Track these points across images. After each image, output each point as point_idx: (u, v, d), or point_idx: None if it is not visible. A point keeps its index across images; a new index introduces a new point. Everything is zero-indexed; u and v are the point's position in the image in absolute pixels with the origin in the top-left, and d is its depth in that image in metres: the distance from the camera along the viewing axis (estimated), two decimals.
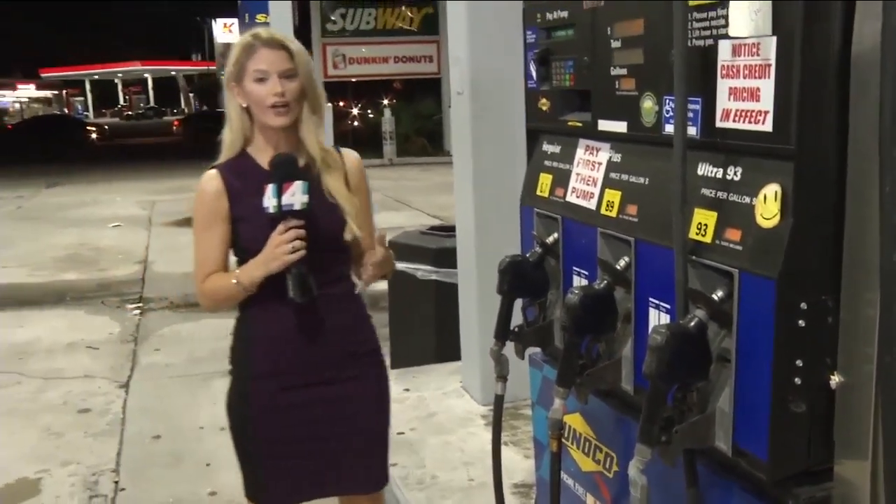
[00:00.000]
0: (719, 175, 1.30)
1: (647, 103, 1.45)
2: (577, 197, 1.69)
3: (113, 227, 9.23)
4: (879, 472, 1.14)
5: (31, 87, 61.44)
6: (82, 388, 4.05)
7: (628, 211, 1.52)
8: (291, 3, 9.36)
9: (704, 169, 1.33)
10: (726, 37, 1.24)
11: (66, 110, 59.31)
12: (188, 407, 3.73)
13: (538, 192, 1.86)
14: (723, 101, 1.27)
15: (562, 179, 1.77)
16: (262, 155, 1.68)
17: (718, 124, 1.28)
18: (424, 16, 12.60)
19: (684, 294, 1.31)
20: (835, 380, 1.19)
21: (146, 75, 60.11)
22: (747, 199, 1.24)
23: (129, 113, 58.16)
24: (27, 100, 60.48)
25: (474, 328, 3.34)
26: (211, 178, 1.69)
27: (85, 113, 59.51)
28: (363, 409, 1.75)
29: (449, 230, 3.89)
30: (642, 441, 1.27)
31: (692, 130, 1.32)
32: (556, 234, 1.76)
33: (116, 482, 3.01)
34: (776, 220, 1.18)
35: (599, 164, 1.64)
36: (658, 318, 1.43)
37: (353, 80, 14.54)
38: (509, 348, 1.81)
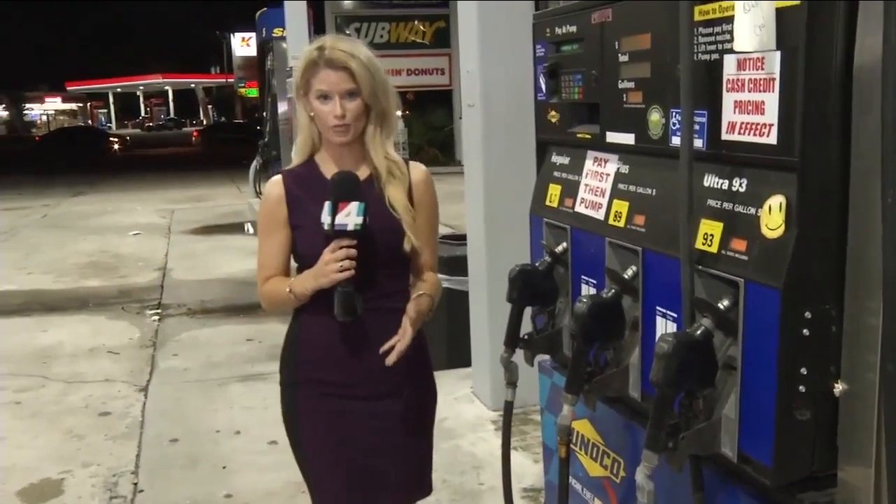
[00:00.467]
0: (725, 186, 1.33)
1: (655, 116, 1.48)
2: (586, 207, 1.72)
3: (133, 234, 9.37)
4: (883, 478, 1.15)
5: (58, 99, 62.67)
6: (103, 391, 4.12)
7: (636, 221, 1.54)
8: (307, 18, 9.50)
9: (710, 180, 1.36)
10: (731, 51, 1.27)
11: (90, 122, 60.28)
12: (205, 411, 3.78)
13: (548, 203, 1.89)
14: (728, 114, 1.30)
15: (571, 190, 1.80)
16: (327, 165, 1.68)
17: (724, 137, 1.31)
18: (436, 30, 12.72)
19: (691, 303, 1.33)
20: (838, 388, 1.20)
21: (167, 88, 60.99)
22: (752, 210, 1.26)
23: (150, 124, 59.00)
24: (53, 112, 61.64)
25: (484, 335, 3.37)
26: (274, 184, 1.70)
27: (108, 124, 60.45)
28: (404, 428, 1.72)
29: (460, 239, 3.92)
30: (649, 447, 1.29)
31: (698, 143, 1.35)
32: (565, 244, 1.79)
33: (135, 483, 3.07)
34: (781, 231, 1.21)
35: (607, 175, 1.67)
36: (665, 326, 1.45)
37: None
38: (519, 355, 1.84)
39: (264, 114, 11.95)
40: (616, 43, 1.58)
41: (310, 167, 1.69)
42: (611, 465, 1.76)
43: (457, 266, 3.69)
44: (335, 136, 1.62)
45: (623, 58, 1.56)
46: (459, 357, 3.67)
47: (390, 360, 1.59)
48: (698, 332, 1.30)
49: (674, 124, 1.43)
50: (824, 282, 1.21)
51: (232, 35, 35.25)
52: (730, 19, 1.25)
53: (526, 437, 3.15)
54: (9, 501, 2.98)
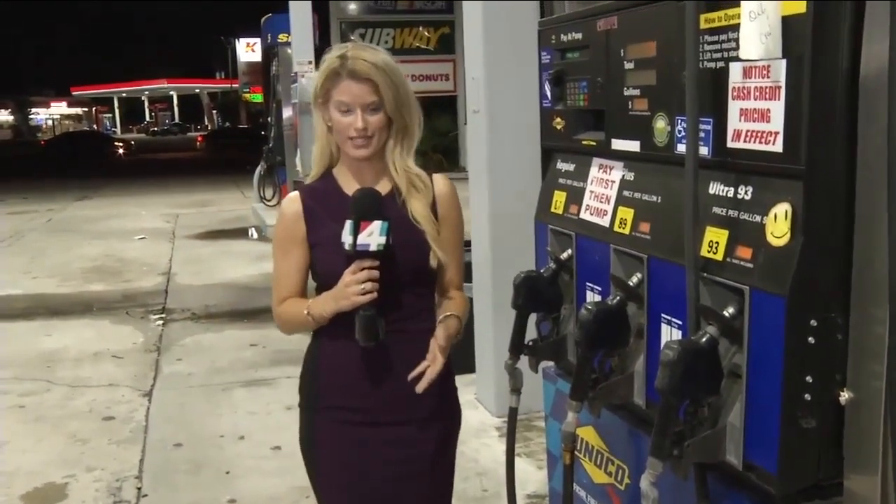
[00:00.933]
0: (730, 194, 1.33)
1: (660, 123, 1.49)
2: (591, 214, 1.73)
3: (138, 239, 9.40)
4: (889, 487, 1.15)
5: (63, 104, 63.08)
6: (107, 396, 4.13)
7: (641, 228, 1.55)
8: (312, 24, 9.54)
9: (716, 188, 1.36)
10: (737, 59, 1.27)
11: (94, 126, 60.58)
12: (209, 416, 3.79)
13: (552, 209, 1.89)
14: (734, 122, 1.30)
15: (576, 197, 1.80)
16: (346, 179, 1.61)
17: (729, 144, 1.31)
18: (441, 36, 12.76)
19: (696, 310, 1.33)
20: (844, 396, 1.20)
21: (171, 93, 61.33)
22: (758, 218, 1.26)
23: (155, 129, 59.28)
24: (59, 116, 61.99)
25: (489, 341, 3.37)
26: (291, 201, 1.61)
27: (113, 129, 60.78)
28: (429, 457, 1.62)
29: (464, 245, 3.92)
30: (654, 454, 1.29)
31: (704, 150, 1.35)
32: (569, 251, 1.79)
33: (139, 488, 3.07)
34: (786, 239, 1.21)
35: (613, 182, 1.68)
36: (670, 333, 1.45)
37: None
38: (523, 362, 1.84)
39: (269, 119, 12.00)
40: (621, 50, 1.58)
41: (328, 182, 1.62)
42: (615, 472, 1.76)
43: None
44: (355, 149, 1.54)
45: (628, 65, 1.57)
46: (463, 363, 3.67)
47: (420, 387, 1.52)
48: (703, 339, 1.30)
49: (679, 132, 1.43)
50: (830, 290, 1.21)
51: (237, 40, 35.43)
52: (735, 27, 1.26)
53: (529, 444, 3.14)
54: None
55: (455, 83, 12.59)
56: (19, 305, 6.29)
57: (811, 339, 1.20)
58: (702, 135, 1.35)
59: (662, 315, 1.47)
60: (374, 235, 1.46)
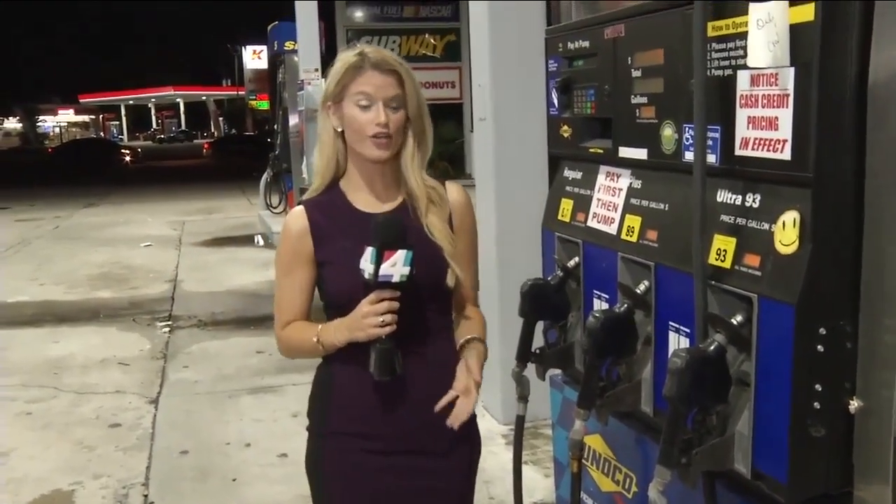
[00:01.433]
0: (738, 202, 1.33)
1: (667, 131, 1.49)
2: (598, 222, 1.73)
3: (144, 246, 9.43)
4: None
5: (71, 111, 63.56)
6: (114, 403, 4.13)
7: (648, 236, 1.55)
8: (319, 32, 9.59)
9: (724, 196, 1.36)
10: (745, 67, 1.27)
11: (101, 134, 61.00)
12: (215, 423, 3.79)
13: (559, 217, 1.89)
14: (741, 130, 1.30)
15: (583, 205, 1.81)
16: (354, 190, 1.50)
17: (737, 152, 1.31)
18: (447, 43, 12.80)
19: (704, 318, 1.33)
20: (854, 404, 1.20)
21: (178, 100, 61.68)
22: (766, 226, 1.26)
23: (162, 136, 59.60)
24: (66, 124, 62.46)
25: (495, 349, 3.34)
26: (296, 216, 1.49)
27: (120, 136, 61.12)
28: (448, 490, 1.53)
29: None
30: (662, 463, 1.28)
31: (711, 158, 1.35)
32: (577, 258, 1.80)
33: (146, 495, 3.07)
34: (795, 247, 1.20)
35: (620, 189, 1.68)
36: (678, 341, 1.45)
37: None
38: (530, 369, 1.83)
39: (275, 126, 12.04)
40: (629, 58, 1.59)
41: (335, 195, 1.50)
42: (622, 480, 1.75)
43: None
44: (373, 148, 1.42)
45: (636, 73, 1.57)
46: None
47: (455, 423, 1.43)
48: (711, 347, 1.29)
49: (687, 139, 1.43)
50: (839, 298, 1.20)
51: (243, 48, 35.64)
52: (743, 35, 1.26)
53: (536, 452, 3.13)
54: None
55: (461, 90, 12.62)
56: (27, 312, 6.31)
57: (820, 348, 1.20)
58: (709, 142, 1.35)
59: (670, 323, 1.47)
60: (397, 266, 1.34)
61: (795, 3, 1.17)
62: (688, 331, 1.42)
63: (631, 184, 1.65)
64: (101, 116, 66.85)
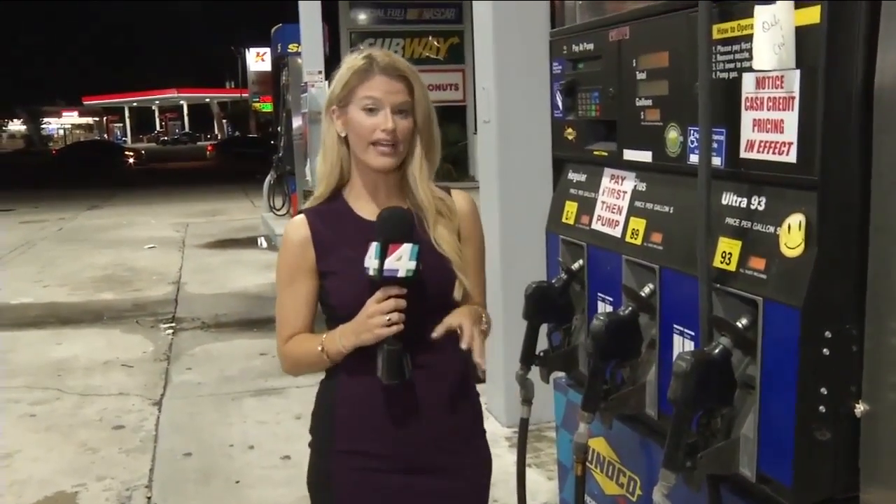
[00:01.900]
0: (743, 205, 1.32)
1: (672, 134, 1.48)
2: (603, 225, 1.72)
3: (148, 248, 9.45)
4: None
5: (75, 113, 63.79)
6: (117, 404, 4.14)
7: (653, 239, 1.54)
8: (322, 34, 9.61)
9: (729, 198, 1.35)
10: (750, 70, 1.27)
11: (105, 136, 61.19)
12: (218, 425, 3.79)
13: (564, 220, 1.89)
14: (747, 133, 1.30)
15: (587, 207, 1.80)
16: (358, 199, 1.45)
17: (742, 155, 1.31)
18: (450, 46, 12.83)
19: (708, 321, 1.33)
20: (860, 408, 1.19)
21: (182, 102, 61.83)
22: (771, 229, 1.26)
23: (165, 138, 59.75)
24: (70, 126, 62.68)
25: (499, 352, 3.36)
26: (297, 226, 1.43)
27: (123, 138, 61.30)
28: None
29: None
30: (667, 466, 1.28)
31: (716, 161, 1.35)
32: (581, 261, 1.79)
33: (149, 497, 3.07)
34: (800, 250, 1.20)
35: (624, 192, 1.67)
36: (682, 344, 1.45)
37: None
38: (534, 372, 1.83)
39: (279, 128, 12.05)
40: (633, 60, 1.58)
41: (337, 203, 1.45)
42: (626, 483, 1.75)
43: None
44: (379, 156, 1.37)
45: (641, 75, 1.57)
46: (473, 373, 3.66)
47: (471, 343, 1.32)
48: (716, 350, 1.29)
49: (692, 142, 1.43)
50: (845, 301, 1.20)
51: (247, 50, 35.70)
52: (748, 38, 1.26)
53: (540, 455, 3.13)
54: None
55: (464, 93, 12.63)
56: (30, 314, 6.33)
57: (826, 351, 1.20)
58: (715, 145, 1.34)
59: (675, 326, 1.47)
60: (402, 260, 1.29)
61: (801, 5, 1.17)
62: (692, 334, 1.42)
63: (635, 186, 1.65)
64: (104, 118, 67.08)
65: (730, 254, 1.32)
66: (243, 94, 43.36)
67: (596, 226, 1.75)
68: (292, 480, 3.05)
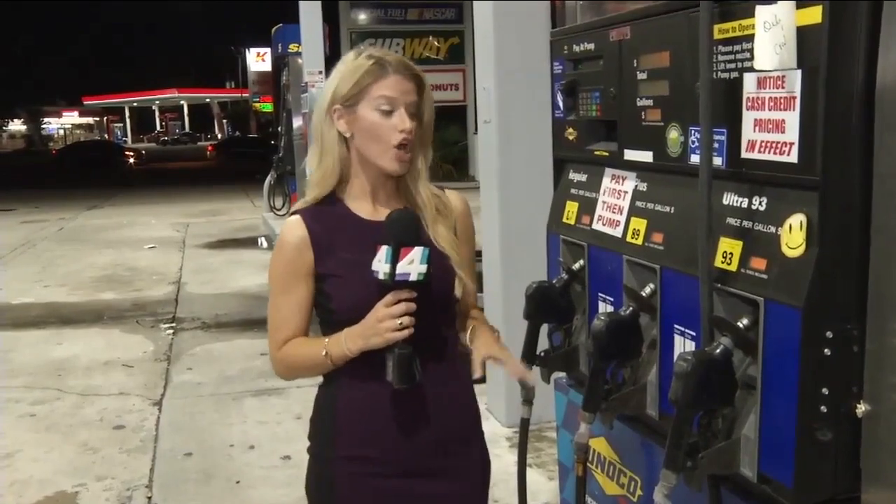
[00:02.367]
0: (744, 205, 1.32)
1: (673, 134, 1.48)
2: (603, 225, 1.72)
3: (148, 248, 9.45)
4: None
5: (75, 113, 63.86)
6: (117, 404, 4.14)
7: (654, 239, 1.54)
8: (323, 34, 9.62)
9: (730, 199, 1.35)
10: (751, 70, 1.27)
11: (105, 136, 61.21)
12: (218, 425, 3.79)
13: (564, 220, 1.89)
14: (748, 133, 1.29)
15: (588, 207, 1.80)
16: (357, 200, 1.41)
17: (744, 155, 1.31)
18: (451, 46, 12.85)
19: (709, 321, 1.33)
20: (861, 408, 1.19)
21: (182, 102, 61.87)
22: (772, 229, 1.26)
23: (166, 138, 59.77)
24: (71, 126, 62.71)
25: None
26: (293, 227, 1.39)
27: (124, 138, 61.33)
28: None
29: (476, 255, 3.93)
30: (668, 466, 1.28)
31: (717, 161, 1.35)
32: (582, 261, 1.79)
33: (149, 497, 3.08)
34: (801, 250, 1.20)
35: (625, 192, 1.67)
36: (683, 344, 1.45)
37: None
38: (535, 372, 1.83)
39: (279, 128, 12.06)
40: (634, 60, 1.58)
41: (333, 204, 1.41)
42: (627, 483, 1.75)
43: None
44: (394, 161, 1.35)
45: (641, 75, 1.57)
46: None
47: (518, 373, 1.46)
48: (717, 350, 1.29)
49: (693, 142, 1.43)
50: (846, 301, 1.20)
51: (247, 50, 35.73)
52: (750, 37, 1.26)
53: (541, 455, 3.13)
54: None
55: (464, 93, 12.66)
56: (31, 314, 6.33)
57: (827, 351, 1.19)
58: (715, 145, 1.34)
59: (676, 326, 1.47)
60: (414, 264, 1.28)
61: (802, 5, 1.17)
62: (693, 334, 1.42)
63: (636, 186, 1.65)
64: (105, 118, 67.13)
65: (731, 254, 1.32)
66: (244, 94, 43.42)
67: (597, 226, 1.75)
68: (293, 480, 3.06)
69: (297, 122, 10.23)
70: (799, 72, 1.19)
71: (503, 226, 3.37)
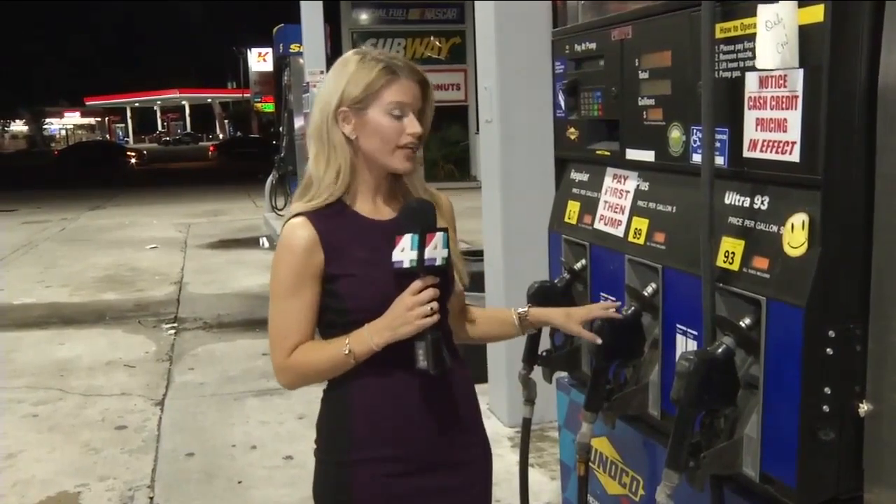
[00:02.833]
0: (746, 204, 1.32)
1: (675, 133, 1.48)
2: (605, 224, 1.72)
3: (150, 248, 9.46)
4: None
5: (77, 114, 63.96)
6: (120, 405, 4.14)
7: (656, 238, 1.54)
8: (324, 34, 9.62)
9: (732, 198, 1.35)
10: (753, 69, 1.27)
11: (107, 136, 61.29)
12: (220, 425, 3.79)
13: (566, 220, 1.89)
14: (750, 132, 1.29)
15: (590, 207, 1.80)
16: (358, 200, 1.40)
17: (746, 154, 1.31)
18: (452, 45, 12.86)
19: (712, 321, 1.33)
20: (863, 408, 1.19)
21: (184, 102, 61.91)
22: (774, 228, 1.26)
23: (167, 139, 59.80)
24: (72, 127, 62.83)
25: (501, 351, 3.36)
26: (300, 227, 1.35)
27: (126, 139, 61.39)
28: (481, 499, 1.49)
29: (476, 254, 3.93)
30: (670, 466, 1.28)
31: (719, 160, 1.35)
32: (583, 261, 1.79)
33: (151, 497, 3.07)
34: (804, 249, 1.20)
35: (627, 192, 1.67)
36: (685, 344, 1.45)
37: None
38: (537, 372, 1.83)
39: (280, 129, 12.07)
40: (636, 60, 1.58)
41: (337, 207, 1.38)
42: (629, 483, 1.75)
43: (474, 282, 3.69)
44: (402, 160, 1.36)
45: (643, 75, 1.57)
46: (475, 373, 3.65)
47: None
48: (720, 350, 1.29)
49: (695, 142, 1.43)
50: (848, 300, 1.20)
51: (248, 50, 35.76)
52: (751, 37, 1.26)
53: (543, 454, 3.13)
54: None
55: (466, 93, 12.66)
56: (33, 314, 6.33)
57: (829, 351, 1.19)
58: (717, 145, 1.34)
59: (678, 325, 1.47)
60: (438, 248, 1.29)
61: (804, 4, 1.17)
62: (695, 333, 1.42)
63: (638, 186, 1.64)
64: (106, 119, 67.21)
65: (733, 253, 1.32)
66: (245, 95, 43.45)
67: (598, 225, 1.75)
68: (295, 481, 3.06)
69: (298, 123, 10.24)
70: (801, 71, 1.19)
71: (505, 225, 3.37)
